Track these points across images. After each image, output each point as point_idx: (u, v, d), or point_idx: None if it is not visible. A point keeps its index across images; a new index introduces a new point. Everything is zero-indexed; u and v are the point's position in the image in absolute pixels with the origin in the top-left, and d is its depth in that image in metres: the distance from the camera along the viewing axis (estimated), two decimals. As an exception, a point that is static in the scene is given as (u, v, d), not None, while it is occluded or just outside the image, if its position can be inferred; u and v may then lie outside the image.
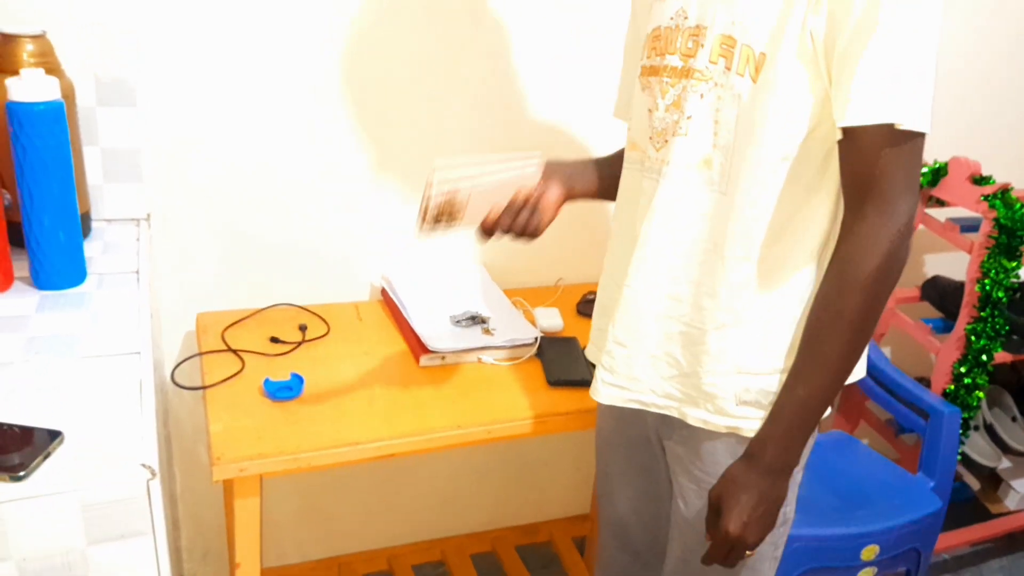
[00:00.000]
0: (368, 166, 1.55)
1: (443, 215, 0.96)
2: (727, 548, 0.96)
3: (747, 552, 0.96)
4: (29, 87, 1.03)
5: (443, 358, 1.37)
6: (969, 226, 1.87)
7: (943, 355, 1.86)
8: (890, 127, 0.82)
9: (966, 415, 1.82)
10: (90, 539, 0.77)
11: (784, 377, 0.94)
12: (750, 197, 0.90)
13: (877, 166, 0.84)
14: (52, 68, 1.17)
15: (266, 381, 1.24)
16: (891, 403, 1.86)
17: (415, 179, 1.58)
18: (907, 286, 2.09)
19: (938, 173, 1.87)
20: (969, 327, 1.79)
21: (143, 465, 0.78)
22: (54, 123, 1.05)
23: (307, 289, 1.56)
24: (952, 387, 1.83)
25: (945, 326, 1.94)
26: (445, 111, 1.56)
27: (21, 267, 1.13)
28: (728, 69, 0.88)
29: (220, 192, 1.46)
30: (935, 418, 1.74)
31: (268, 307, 1.50)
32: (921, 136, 0.84)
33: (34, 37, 1.16)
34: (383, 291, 1.59)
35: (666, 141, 0.94)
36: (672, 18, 0.94)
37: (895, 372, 1.86)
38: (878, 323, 0.92)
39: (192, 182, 1.44)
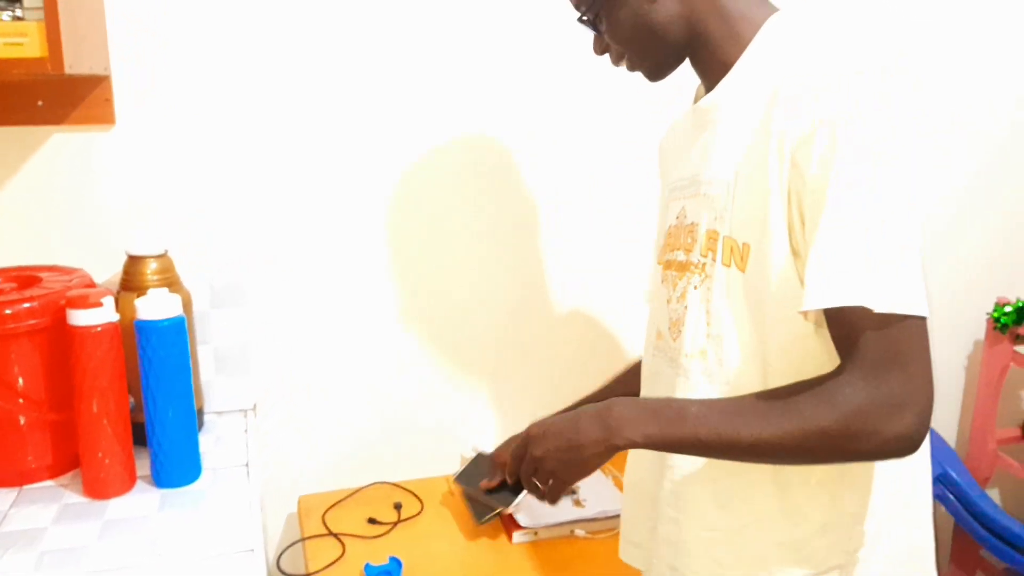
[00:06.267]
0: (452, 346, 1.63)
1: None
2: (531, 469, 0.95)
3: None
4: (155, 306, 1.15)
5: (536, 533, 1.38)
6: (1063, 364, 1.82)
7: (1056, 499, 1.77)
8: (864, 310, 0.76)
9: (1090, 564, 1.71)
10: None
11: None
12: (744, 390, 0.87)
13: (857, 344, 0.78)
14: (173, 282, 1.30)
15: (367, 567, 1.27)
16: (1006, 551, 1.77)
17: (498, 353, 1.66)
18: (1009, 426, 2.02)
19: (1023, 311, 1.85)
20: (1079, 469, 1.72)
21: (262, 671, 0.82)
22: (177, 336, 1.16)
23: (401, 465, 1.61)
24: (1071, 533, 1.73)
25: (1053, 467, 1.86)
26: (521, 290, 1.65)
27: (141, 465, 1.22)
28: (714, 261, 0.90)
29: (317, 378, 1.56)
30: (1056, 568, 1.65)
31: (365, 486, 1.56)
32: (913, 319, 0.77)
33: (157, 256, 1.30)
34: (473, 462, 1.63)
35: (680, 331, 0.96)
36: (677, 217, 1.00)
37: (1005, 518, 1.78)
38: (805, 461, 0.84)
39: (292, 371, 1.54)
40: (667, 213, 1.05)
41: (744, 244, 0.86)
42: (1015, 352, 1.90)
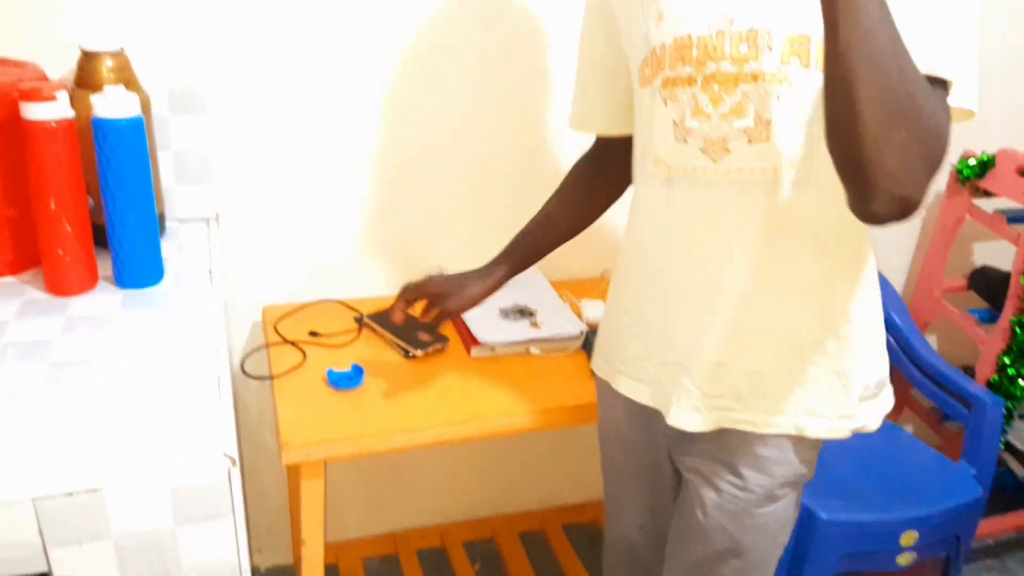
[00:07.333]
0: (420, 163, 1.62)
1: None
2: None
3: None
4: (112, 104, 1.12)
5: (493, 350, 1.44)
6: (1016, 217, 1.87)
7: (988, 345, 1.87)
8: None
9: (1010, 405, 1.83)
10: (178, 521, 0.86)
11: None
12: (839, 192, 0.84)
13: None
14: (130, 82, 1.26)
15: (329, 371, 1.32)
16: (935, 392, 1.88)
17: (463, 176, 1.66)
18: (954, 275, 2.10)
19: (986, 165, 1.87)
20: (1015, 319, 1.80)
21: (225, 454, 0.87)
22: (135, 136, 1.14)
23: (366, 281, 1.64)
24: (996, 377, 1.84)
25: (991, 316, 1.94)
26: (492, 120, 1.62)
27: (103, 267, 1.23)
28: (807, 66, 0.87)
29: (283, 191, 1.55)
30: (978, 408, 1.75)
31: (328, 300, 1.59)
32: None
33: (113, 54, 1.25)
34: (435, 283, 1.66)
35: (728, 151, 0.92)
36: (711, 25, 0.91)
37: (939, 361, 1.87)
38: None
39: (257, 182, 1.53)
40: (663, 24, 0.95)
41: None
42: (972, 205, 1.94)
